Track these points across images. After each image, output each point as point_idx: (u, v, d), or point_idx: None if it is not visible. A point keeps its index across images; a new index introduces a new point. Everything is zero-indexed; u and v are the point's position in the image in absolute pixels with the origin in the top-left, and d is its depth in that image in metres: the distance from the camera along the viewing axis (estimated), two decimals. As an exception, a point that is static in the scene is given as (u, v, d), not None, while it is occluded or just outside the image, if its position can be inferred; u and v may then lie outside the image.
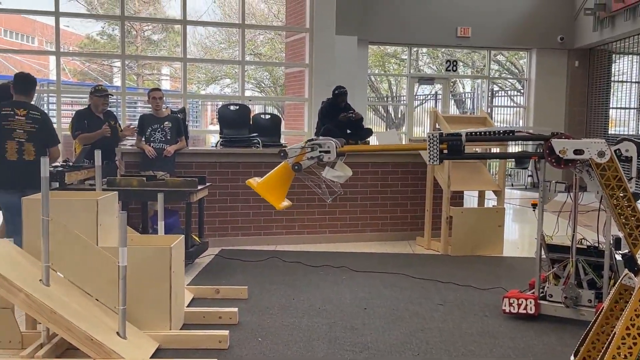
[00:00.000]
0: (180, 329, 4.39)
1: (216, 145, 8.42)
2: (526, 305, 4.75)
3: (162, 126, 7.15)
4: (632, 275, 3.02)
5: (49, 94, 14.23)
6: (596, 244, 4.74)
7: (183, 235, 4.71)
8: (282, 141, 8.85)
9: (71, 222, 4.02)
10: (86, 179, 6.30)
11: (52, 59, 17.55)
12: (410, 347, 4.21)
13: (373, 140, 8.57)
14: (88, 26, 30.10)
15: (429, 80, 16.37)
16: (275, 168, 3.83)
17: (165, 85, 26.01)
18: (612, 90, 14.52)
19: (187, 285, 5.37)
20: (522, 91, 16.44)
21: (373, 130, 9.22)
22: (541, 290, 4.88)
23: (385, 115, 23.42)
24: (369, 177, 7.88)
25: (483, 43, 14.57)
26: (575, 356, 3.21)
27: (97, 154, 4.91)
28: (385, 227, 8.00)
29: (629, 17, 12.44)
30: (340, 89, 8.25)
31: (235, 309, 4.67)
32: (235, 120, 8.57)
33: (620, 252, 4.21)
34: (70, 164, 6.36)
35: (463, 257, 6.99)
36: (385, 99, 25.67)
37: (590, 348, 3.15)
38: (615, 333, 2.81)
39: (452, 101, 18.32)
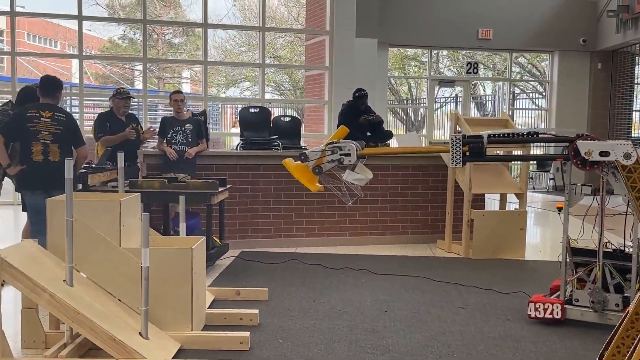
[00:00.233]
0: (202, 330, 4.40)
1: (236, 148, 8.45)
2: (552, 309, 4.69)
3: (183, 128, 7.19)
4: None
5: (71, 97, 14.37)
6: (622, 248, 4.68)
7: (204, 237, 4.73)
8: (302, 143, 8.85)
9: (94, 223, 4.05)
10: (108, 180, 6.36)
11: (75, 62, 17.75)
12: (431, 351, 4.18)
13: (393, 143, 8.53)
14: (110, 30, 30.44)
15: (449, 82, 16.30)
16: None
17: (186, 88, 26.18)
18: (635, 93, 14.32)
19: (208, 286, 5.39)
20: (543, 94, 16.30)
21: (393, 133, 9.19)
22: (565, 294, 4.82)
23: (405, 118, 23.37)
24: (389, 180, 7.86)
25: (504, 45, 14.46)
26: (600, 360, 3.17)
27: (120, 156, 4.95)
28: (405, 229, 7.97)
29: (653, 19, 12.29)
30: (360, 91, 8.24)
31: (256, 311, 4.68)
32: (255, 123, 8.58)
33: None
34: (93, 166, 6.42)
35: (484, 261, 6.94)
36: (405, 101, 25.60)
37: (615, 352, 3.11)
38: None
39: (473, 104, 18.22)
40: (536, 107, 16.93)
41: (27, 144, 5.35)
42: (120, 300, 3.99)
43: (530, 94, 19.64)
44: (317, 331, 4.51)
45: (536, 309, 4.76)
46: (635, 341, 2.90)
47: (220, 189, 6.24)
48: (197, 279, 4.27)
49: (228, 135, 18.42)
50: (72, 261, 3.81)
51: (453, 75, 21.59)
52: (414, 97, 25.48)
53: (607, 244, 4.72)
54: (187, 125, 7.22)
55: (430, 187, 7.97)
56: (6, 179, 6.22)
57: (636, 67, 14.35)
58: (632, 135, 14.31)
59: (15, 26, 11.29)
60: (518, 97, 17.71)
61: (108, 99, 8.16)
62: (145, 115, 11.81)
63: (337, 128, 3.92)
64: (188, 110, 7.68)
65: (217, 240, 6.59)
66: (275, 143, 8.08)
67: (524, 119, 16.11)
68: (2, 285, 3.55)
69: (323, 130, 12.17)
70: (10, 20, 11.19)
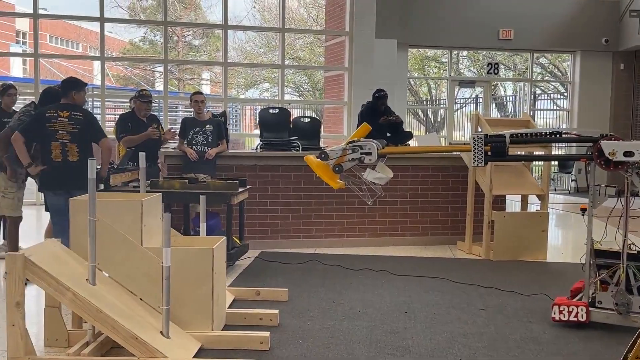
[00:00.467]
0: (222, 329, 4.41)
1: (256, 149, 8.48)
2: (577, 312, 4.61)
3: (203, 129, 7.23)
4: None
5: (93, 99, 14.53)
6: (646, 249, 4.61)
7: (225, 237, 4.74)
8: (322, 144, 8.87)
9: (116, 223, 4.08)
10: (130, 181, 6.41)
11: (97, 64, 17.94)
12: (452, 352, 4.16)
13: (413, 144, 8.51)
14: (131, 32, 30.70)
15: (469, 83, 16.21)
16: None
17: (206, 89, 26.34)
18: (658, 93, 14.17)
19: (228, 287, 5.40)
20: (565, 94, 16.15)
21: (413, 133, 9.16)
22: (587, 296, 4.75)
23: (424, 119, 23.28)
24: (409, 181, 7.83)
25: (525, 45, 14.36)
26: (623, 363, 3.13)
27: (142, 157, 4.98)
28: (425, 231, 7.94)
29: (677, 18, 12.13)
30: (380, 92, 8.22)
31: (276, 311, 4.68)
32: (275, 124, 8.60)
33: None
34: (115, 166, 6.48)
35: (505, 262, 6.88)
36: (424, 102, 25.51)
37: (639, 354, 3.07)
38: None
39: (493, 104, 18.11)
40: (558, 108, 16.77)
41: (46, 144, 5.43)
42: (141, 300, 4.02)
43: (552, 95, 19.46)
44: (337, 332, 4.50)
45: (560, 312, 4.68)
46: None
47: (240, 190, 6.25)
48: (217, 278, 4.28)
49: (248, 137, 18.50)
50: (94, 260, 3.84)
51: (473, 76, 21.47)
52: (433, 98, 25.39)
53: (631, 245, 4.65)
54: (208, 126, 7.26)
55: (450, 188, 7.93)
56: (29, 179, 6.31)
57: (659, 67, 14.19)
58: (656, 136, 14.13)
59: (38, 28, 11.44)
60: (539, 97, 17.58)
61: (129, 99, 8.22)
62: (166, 116, 11.89)
63: (357, 129, 3.93)
64: (208, 111, 7.73)
65: (237, 241, 6.61)
66: (295, 144, 8.09)
67: (546, 120, 15.99)
68: (26, 284, 3.59)
69: (342, 131, 12.17)
70: (33, 23, 11.34)
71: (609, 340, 4.39)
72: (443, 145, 11.58)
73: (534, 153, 7.74)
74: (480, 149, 3.25)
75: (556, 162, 14.47)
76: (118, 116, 7.95)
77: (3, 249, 6.60)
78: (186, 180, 6.13)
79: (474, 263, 6.96)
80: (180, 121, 7.77)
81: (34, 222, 8.87)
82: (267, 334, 4.19)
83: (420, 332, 4.54)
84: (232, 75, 24.56)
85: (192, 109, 7.50)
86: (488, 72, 14.79)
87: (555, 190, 14.71)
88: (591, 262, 4.72)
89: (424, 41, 14.13)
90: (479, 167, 3.53)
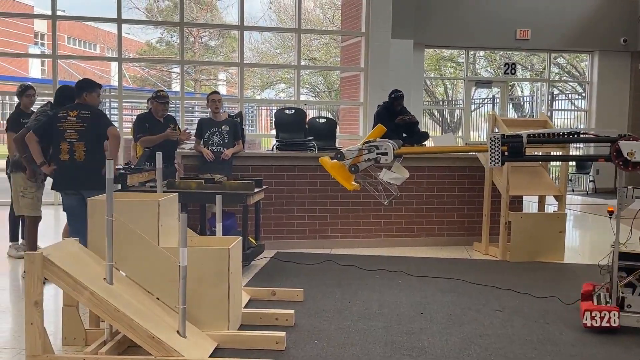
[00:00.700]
0: (238, 329, 4.43)
1: (272, 149, 8.49)
2: (609, 317, 4.45)
3: (220, 130, 7.26)
4: None
5: (110, 99, 14.64)
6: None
7: (241, 237, 4.75)
8: (337, 145, 8.87)
9: (134, 223, 4.11)
10: (147, 181, 6.44)
11: (114, 65, 18.06)
12: (468, 353, 4.14)
13: (429, 145, 8.48)
14: (148, 33, 30.90)
15: (486, 83, 16.13)
16: None
17: (222, 90, 26.44)
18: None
19: (244, 286, 5.42)
20: (583, 95, 16.02)
21: (429, 134, 9.13)
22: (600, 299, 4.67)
23: (440, 119, 23.21)
24: (424, 181, 7.81)
25: (543, 45, 14.26)
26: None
27: (159, 157, 5.00)
28: (441, 231, 7.91)
29: (698, 17, 11.98)
30: (396, 92, 8.21)
31: (292, 311, 4.69)
32: (291, 124, 8.62)
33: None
34: (132, 166, 6.52)
35: (522, 264, 6.84)
36: (440, 103, 25.43)
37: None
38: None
39: (510, 105, 17.99)
40: (575, 108, 16.65)
41: (56, 143, 5.49)
42: (158, 299, 4.04)
43: (570, 95, 19.31)
44: (352, 332, 4.50)
45: (592, 318, 4.49)
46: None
47: (256, 190, 6.27)
48: (233, 278, 4.29)
49: (264, 137, 18.54)
50: (112, 260, 3.87)
51: (490, 76, 21.36)
52: (450, 99, 25.31)
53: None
54: (224, 126, 7.29)
55: (466, 188, 7.90)
56: (49, 179, 6.37)
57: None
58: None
59: (56, 30, 11.55)
60: (557, 98, 17.45)
61: (146, 100, 8.27)
62: (183, 117, 11.95)
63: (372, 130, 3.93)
64: (224, 111, 7.76)
65: (253, 241, 6.63)
66: (311, 144, 8.10)
67: (563, 121, 15.86)
68: (44, 283, 3.62)
69: (358, 131, 12.16)
70: (51, 24, 11.45)
71: (629, 343, 4.34)
72: (459, 145, 11.53)
73: (552, 153, 7.67)
74: (497, 149, 3.23)
75: (574, 163, 14.36)
76: (135, 117, 8.00)
77: (22, 249, 6.67)
78: (202, 181, 6.16)
79: (491, 264, 6.92)
80: (196, 122, 7.80)
81: (52, 222, 8.95)
82: (282, 334, 4.20)
83: (437, 333, 4.53)
84: (248, 75, 24.63)
85: (209, 109, 7.54)
86: (505, 72, 14.70)
87: (573, 191, 14.59)
88: (607, 265, 4.62)
89: (440, 41, 14.08)
90: (496, 167, 3.50)
